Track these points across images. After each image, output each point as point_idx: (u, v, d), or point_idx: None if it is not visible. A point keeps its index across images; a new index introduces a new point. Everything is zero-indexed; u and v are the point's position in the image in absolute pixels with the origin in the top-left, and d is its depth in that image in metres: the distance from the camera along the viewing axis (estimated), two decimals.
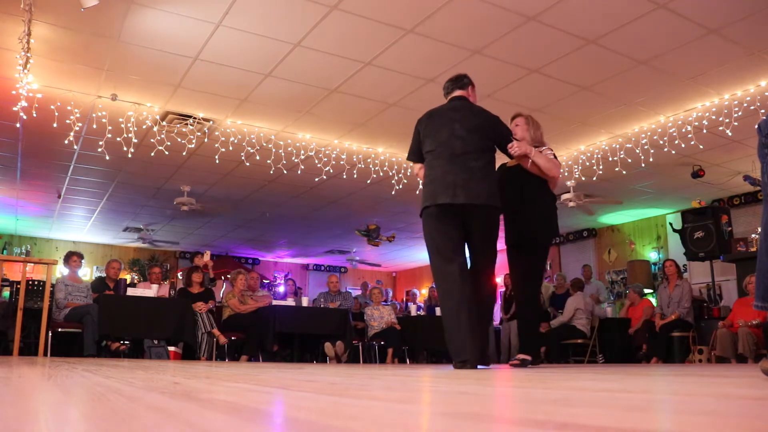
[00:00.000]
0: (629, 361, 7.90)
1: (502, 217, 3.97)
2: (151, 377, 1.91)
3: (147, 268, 10.36)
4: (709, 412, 0.91)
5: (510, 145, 3.82)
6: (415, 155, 3.90)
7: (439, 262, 3.66)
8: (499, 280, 9.09)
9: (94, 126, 6.17)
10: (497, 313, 8.93)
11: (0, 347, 6.37)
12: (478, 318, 3.62)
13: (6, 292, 7.46)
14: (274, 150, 7.00)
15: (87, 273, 11.99)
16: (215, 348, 6.78)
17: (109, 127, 6.18)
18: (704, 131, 6.32)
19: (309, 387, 1.56)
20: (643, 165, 7.22)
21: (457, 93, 3.98)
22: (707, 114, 6.06)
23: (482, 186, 3.63)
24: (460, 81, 4.01)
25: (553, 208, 4.15)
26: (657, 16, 4.46)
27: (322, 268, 15.22)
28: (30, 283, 6.49)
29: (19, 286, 6.29)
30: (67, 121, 5.86)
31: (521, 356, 4.01)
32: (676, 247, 9.22)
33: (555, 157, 4.01)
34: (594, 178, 7.70)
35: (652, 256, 10.34)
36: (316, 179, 7.97)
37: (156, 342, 6.48)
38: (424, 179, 3.79)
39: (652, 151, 6.87)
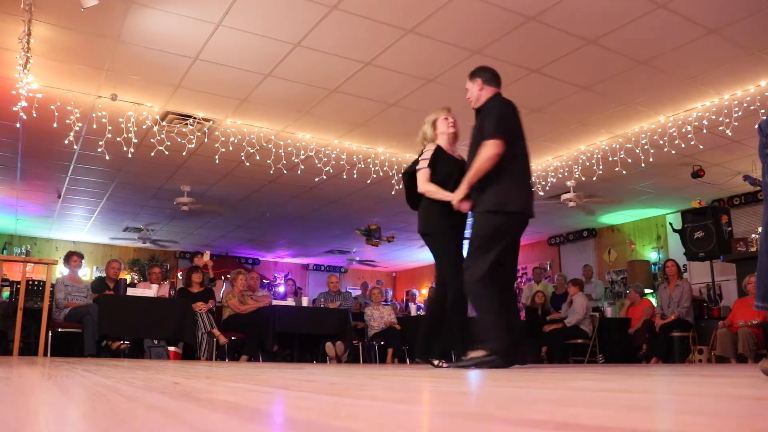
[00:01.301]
0: (629, 361, 7.90)
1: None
2: (151, 377, 1.91)
3: (147, 268, 10.36)
4: (709, 412, 0.91)
5: None
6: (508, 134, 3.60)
7: (495, 269, 3.56)
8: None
9: (94, 126, 6.17)
10: None
11: (0, 347, 6.37)
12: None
13: (6, 292, 7.46)
14: (274, 150, 7.00)
15: (87, 273, 11.99)
16: (215, 348, 6.78)
17: (109, 127, 6.18)
18: (704, 131, 6.32)
19: (309, 387, 1.56)
20: (643, 165, 7.22)
21: (501, 90, 3.84)
22: (707, 114, 6.06)
23: None
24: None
25: (426, 202, 3.98)
26: (657, 16, 4.46)
27: (322, 268, 15.22)
28: (30, 283, 6.49)
29: (19, 286, 6.29)
30: (67, 121, 5.86)
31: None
32: (676, 247, 9.22)
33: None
34: (594, 178, 7.71)
35: (652, 256, 10.35)
36: (316, 179, 7.97)
37: (156, 342, 6.47)
38: (503, 175, 3.56)
39: (652, 151, 6.87)
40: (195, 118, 6.26)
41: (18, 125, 5.91)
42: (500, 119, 3.60)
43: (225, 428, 0.72)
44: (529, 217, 3.65)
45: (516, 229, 3.64)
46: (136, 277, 11.86)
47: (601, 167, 7.34)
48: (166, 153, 6.88)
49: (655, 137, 6.66)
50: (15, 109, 5.32)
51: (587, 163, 7.41)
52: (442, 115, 4.11)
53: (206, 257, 7.56)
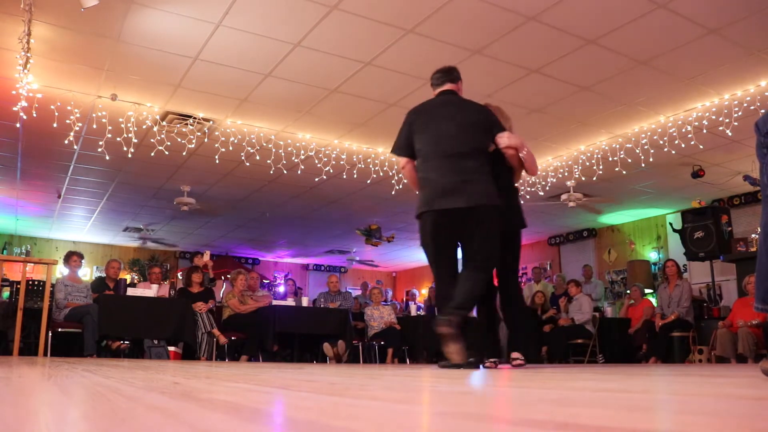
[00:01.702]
0: (629, 361, 7.90)
1: None
2: (151, 377, 1.91)
3: (147, 268, 10.36)
4: (709, 412, 0.91)
5: (500, 134, 3.70)
6: (403, 150, 3.75)
7: (436, 273, 3.70)
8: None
9: (94, 126, 6.17)
10: None
11: (0, 347, 6.37)
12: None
13: (6, 292, 7.46)
14: (274, 150, 7.00)
15: (87, 273, 11.99)
16: (215, 348, 6.78)
17: (109, 127, 6.18)
18: (704, 131, 6.32)
19: (309, 387, 1.55)
20: (643, 165, 7.22)
21: (448, 87, 3.84)
22: (707, 114, 6.06)
23: (479, 187, 3.54)
24: (452, 74, 3.85)
25: (518, 198, 4.10)
26: (657, 16, 4.46)
27: (322, 268, 15.22)
28: (30, 283, 6.49)
29: (19, 286, 6.29)
30: (67, 121, 5.86)
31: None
32: (676, 247, 9.23)
33: None
34: (594, 178, 7.71)
35: (652, 256, 10.35)
36: (316, 179, 7.97)
37: (156, 342, 6.47)
38: (417, 181, 3.73)
39: (652, 151, 6.87)
40: (195, 118, 6.26)
41: (18, 125, 5.91)
42: (397, 136, 3.83)
43: (225, 428, 0.72)
44: (444, 209, 3.52)
45: (433, 227, 3.55)
46: (136, 277, 11.86)
47: (601, 167, 7.34)
48: (166, 153, 6.88)
49: (655, 137, 6.66)
50: (15, 109, 5.31)
51: (587, 163, 7.41)
52: None
53: (206, 257, 7.57)
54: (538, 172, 3.85)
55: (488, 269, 3.68)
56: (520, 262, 3.98)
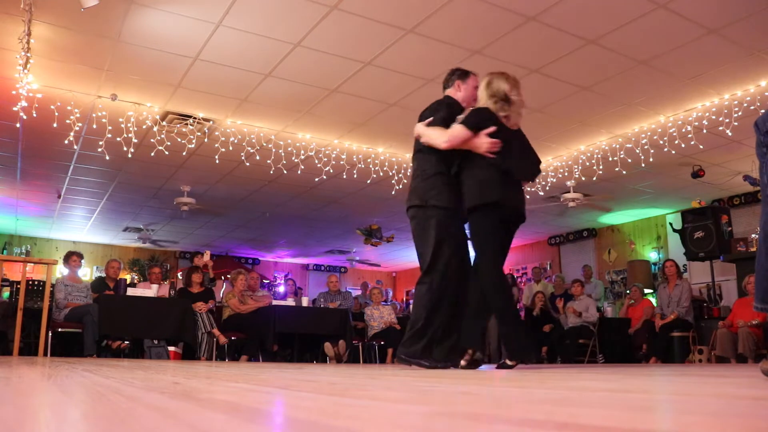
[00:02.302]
0: (629, 361, 7.91)
1: None
2: (151, 377, 1.91)
3: (147, 268, 10.36)
4: (709, 412, 0.91)
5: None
6: None
7: None
8: None
9: (94, 126, 6.17)
10: None
11: (0, 347, 6.37)
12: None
13: (6, 292, 7.46)
14: (274, 150, 7.01)
15: (87, 273, 11.99)
16: (215, 348, 6.78)
17: (109, 127, 6.19)
18: (704, 131, 6.32)
19: (309, 387, 1.55)
20: (643, 165, 7.22)
21: (445, 93, 3.86)
22: (707, 114, 6.06)
23: (410, 192, 3.73)
24: (449, 79, 3.85)
25: (476, 175, 3.49)
26: (657, 16, 4.46)
27: (322, 268, 15.22)
28: (30, 283, 6.49)
29: (19, 286, 6.29)
30: (67, 121, 5.86)
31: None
32: (676, 247, 9.22)
33: (470, 117, 3.47)
34: (594, 178, 7.71)
35: (652, 256, 10.35)
36: (316, 179, 7.97)
37: (156, 342, 6.47)
38: None
39: (652, 151, 6.87)
40: (195, 118, 6.26)
41: (18, 125, 5.91)
42: None
43: (225, 428, 0.72)
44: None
45: None
46: (136, 277, 11.86)
47: (601, 167, 7.34)
48: (166, 153, 6.88)
49: (655, 137, 6.66)
50: (15, 109, 5.32)
51: (587, 163, 7.41)
52: None
53: (206, 257, 7.56)
54: (442, 142, 3.48)
55: (429, 273, 3.50)
56: (485, 244, 3.47)
